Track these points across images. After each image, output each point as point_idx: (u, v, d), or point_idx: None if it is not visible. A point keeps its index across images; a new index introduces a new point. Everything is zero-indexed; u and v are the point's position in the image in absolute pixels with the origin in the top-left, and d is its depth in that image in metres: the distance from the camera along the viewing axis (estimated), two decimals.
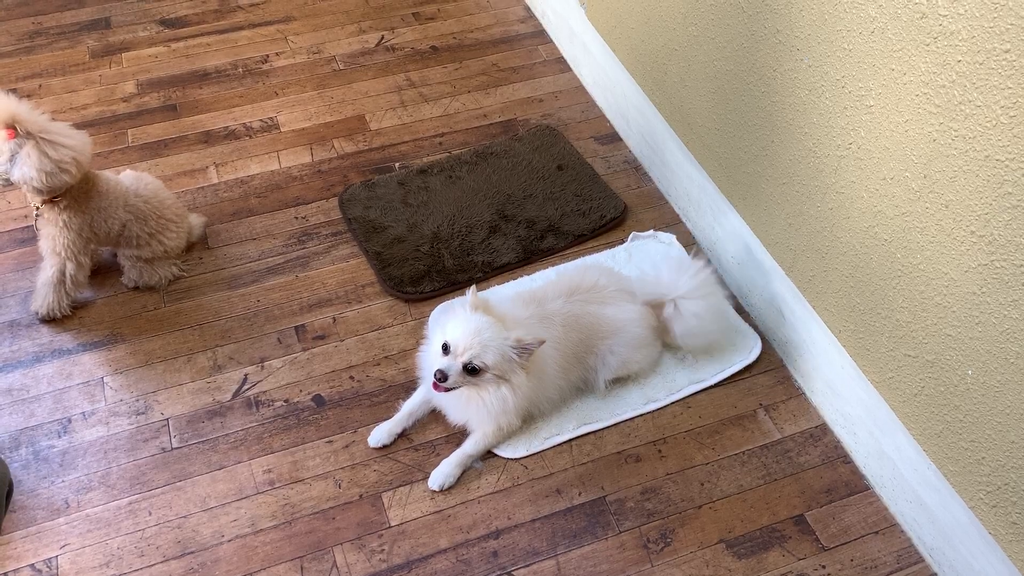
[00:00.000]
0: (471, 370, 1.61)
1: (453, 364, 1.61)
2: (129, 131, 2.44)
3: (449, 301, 2.03)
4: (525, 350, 1.62)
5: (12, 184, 1.78)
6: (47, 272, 1.92)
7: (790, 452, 1.80)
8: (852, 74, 1.51)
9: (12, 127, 1.73)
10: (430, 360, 1.69)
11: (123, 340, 1.96)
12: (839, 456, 1.80)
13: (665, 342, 1.92)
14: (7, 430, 1.79)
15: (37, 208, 1.87)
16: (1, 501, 1.64)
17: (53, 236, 1.87)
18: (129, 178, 1.98)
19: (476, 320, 1.62)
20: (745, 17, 1.76)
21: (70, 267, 1.90)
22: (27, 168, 1.74)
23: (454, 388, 1.64)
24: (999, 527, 1.47)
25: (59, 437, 1.79)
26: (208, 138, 2.42)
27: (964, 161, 1.32)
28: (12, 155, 1.75)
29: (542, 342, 1.63)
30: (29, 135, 1.74)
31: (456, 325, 1.63)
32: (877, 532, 1.69)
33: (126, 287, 2.05)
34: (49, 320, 1.97)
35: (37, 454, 1.76)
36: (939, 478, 1.57)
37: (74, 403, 1.84)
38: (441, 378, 1.61)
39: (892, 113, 1.44)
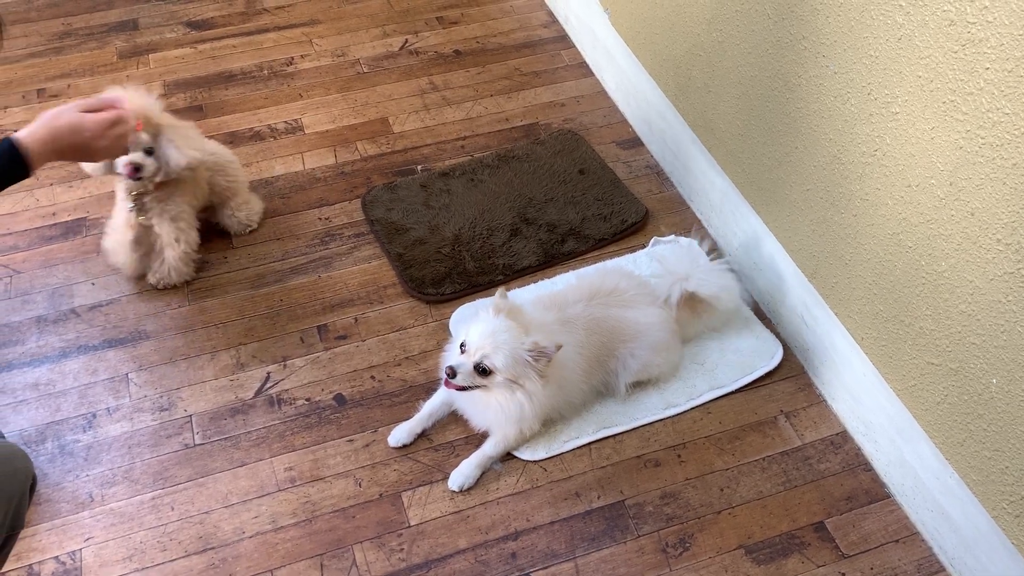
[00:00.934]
0: (481, 371, 1.62)
1: (465, 363, 1.62)
2: None
3: (474, 302, 2.03)
4: (542, 355, 1.62)
5: (143, 167, 1.85)
6: (174, 249, 2.01)
7: (810, 459, 1.80)
8: (878, 81, 1.51)
9: (139, 121, 1.82)
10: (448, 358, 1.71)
11: (148, 337, 1.98)
12: (860, 464, 1.79)
13: (687, 338, 1.93)
14: (33, 424, 1.82)
15: (135, 197, 1.94)
16: (24, 494, 1.66)
17: (174, 214, 1.99)
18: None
19: (495, 323, 1.63)
20: (771, 23, 1.77)
21: (193, 236, 2.04)
22: (189, 150, 1.87)
23: (468, 388, 1.65)
24: (1022, 537, 1.46)
25: (84, 432, 1.81)
26: (233, 139, 2.45)
27: (991, 169, 1.32)
28: (148, 146, 1.84)
29: (559, 347, 1.63)
30: (159, 127, 1.84)
31: (476, 326, 1.65)
32: (897, 540, 1.68)
33: (234, 234, 2.19)
34: (173, 287, 2.07)
35: (62, 448, 1.78)
36: (961, 487, 1.56)
37: (99, 398, 1.87)
38: (451, 374, 1.61)
39: (918, 120, 1.44)
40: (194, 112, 2.52)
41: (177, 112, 2.51)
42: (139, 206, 1.95)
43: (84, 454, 1.77)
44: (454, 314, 2.02)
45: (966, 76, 1.32)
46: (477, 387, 1.65)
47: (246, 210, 2.18)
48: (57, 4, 2.91)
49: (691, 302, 1.88)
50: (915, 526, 1.70)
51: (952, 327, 1.49)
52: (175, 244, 2.00)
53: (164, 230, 1.99)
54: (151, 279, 2.06)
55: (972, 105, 1.33)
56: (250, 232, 2.20)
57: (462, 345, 1.64)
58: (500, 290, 1.68)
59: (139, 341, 1.97)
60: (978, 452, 1.50)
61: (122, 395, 1.87)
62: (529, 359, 1.62)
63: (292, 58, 2.71)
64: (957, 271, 1.44)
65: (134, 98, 1.79)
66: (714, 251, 2.11)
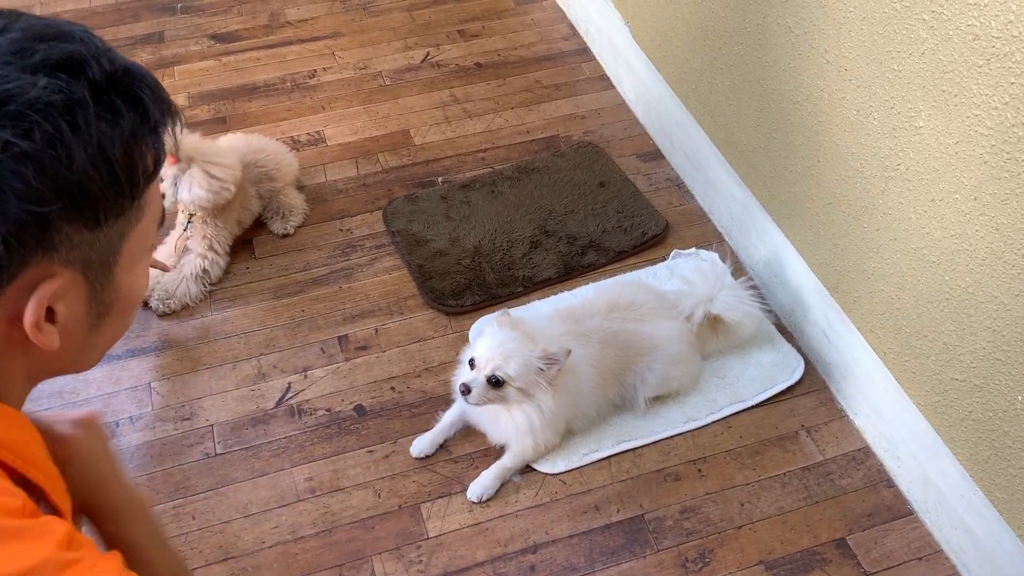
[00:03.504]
0: (495, 382, 1.62)
1: (477, 377, 1.62)
2: None
3: (492, 314, 2.04)
4: (552, 361, 1.62)
5: (175, 204, 1.98)
6: (191, 268, 2.05)
7: (832, 475, 1.78)
8: (901, 95, 1.50)
9: (174, 154, 1.90)
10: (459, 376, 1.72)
11: (170, 347, 2.00)
12: (882, 480, 1.78)
13: (706, 354, 1.92)
14: None
15: (188, 221, 2.04)
16: None
17: (212, 237, 2.06)
18: (238, 149, 2.12)
19: (501, 334, 1.64)
20: (793, 37, 1.76)
21: (222, 262, 2.10)
22: (197, 190, 1.93)
23: (482, 403, 1.65)
24: None
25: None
26: None
27: (1016, 184, 1.31)
28: (174, 179, 1.94)
29: (568, 352, 1.63)
30: (191, 160, 1.92)
31: (483, 341, 1.66)
32: (920, 558, 1.66)
33: (278, 234, 2.22)
34: (169, 315, 2.06)
35: None
36: (986, 505, 1.54)
37: (122, 407, 1.88)
38: (465, 391, 1.62)
39: (942, 135, 1.43)
40: (218, 124, 2.55)
41: (201, 124, 2.55)
42: (187, 225, 2.05)
43: None
44: (473, 326, 2.02)
45: (991, 91, 1.31)
46: (492, 402, 1.65)
47: (284, 220, 2.23)
48: (84, 17, 2.95)
49: (712, 321, 1.87)
50: (938, 544, 1.68)
51: (976, 343, 1.47)
52: (200, 261, 2.05)
53: (195, 249, 2.05)
54: (153, 300, 2.03)
55: (997, 120, 1.32)
56: (284, 237, 2.24)
57: (471, 362, 1.65)
58: (502, 310, 1.70)
59: (161, 351, 1.99)
60: (1003, 470, 1.49)
61: (144, 404, 1.89)
62: (541, 366, 1.62)
63: (315, 70, 2.74)
64: (982, 286, 1.43)
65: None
66: (738, 269, 2.10)
